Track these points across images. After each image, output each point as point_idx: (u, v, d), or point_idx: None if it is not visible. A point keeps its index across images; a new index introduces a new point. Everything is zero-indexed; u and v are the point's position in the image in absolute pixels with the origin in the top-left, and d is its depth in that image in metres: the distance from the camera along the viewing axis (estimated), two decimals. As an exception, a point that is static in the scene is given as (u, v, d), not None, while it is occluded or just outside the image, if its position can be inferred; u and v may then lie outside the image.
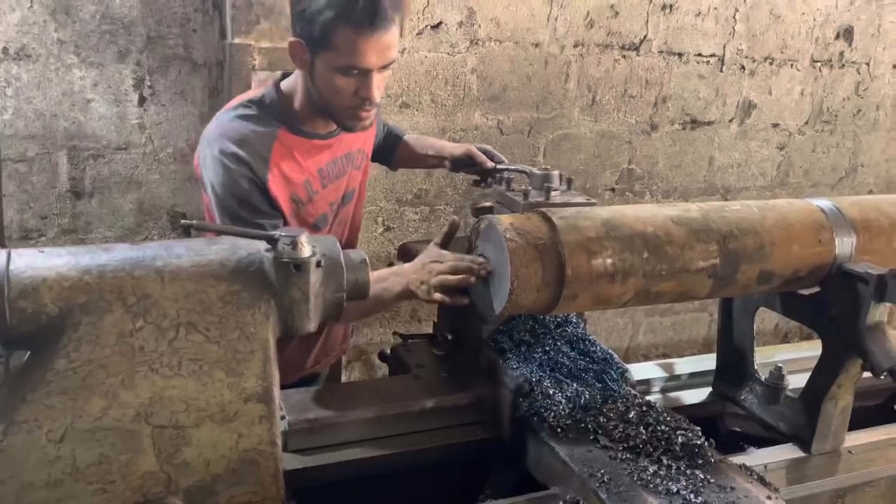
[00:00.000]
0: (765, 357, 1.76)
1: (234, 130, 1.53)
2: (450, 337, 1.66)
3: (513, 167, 1.83)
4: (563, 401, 1.36)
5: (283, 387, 1.43)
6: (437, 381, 1.53)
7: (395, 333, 1.91)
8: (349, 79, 1.47)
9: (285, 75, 1.63)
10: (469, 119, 2.71)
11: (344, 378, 2.79)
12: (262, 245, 1.04)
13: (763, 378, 1.61)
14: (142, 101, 2.31)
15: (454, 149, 2.01)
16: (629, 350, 3.49)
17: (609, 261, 1.23)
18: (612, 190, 3.10)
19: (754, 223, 1.36)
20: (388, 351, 1.77)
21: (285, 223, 1.58)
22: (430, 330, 1.82)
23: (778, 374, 1.59)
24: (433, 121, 2.65)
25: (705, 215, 1.34)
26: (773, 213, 1.39)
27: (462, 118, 2.70)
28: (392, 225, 2.73)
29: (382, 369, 2.58)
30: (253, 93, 1.62)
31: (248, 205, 1.51)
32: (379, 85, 1.51)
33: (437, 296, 1.41)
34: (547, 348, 1.50)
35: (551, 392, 1.37)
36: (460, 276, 1.36)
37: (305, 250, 1.01)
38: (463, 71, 2.63)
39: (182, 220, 1.02)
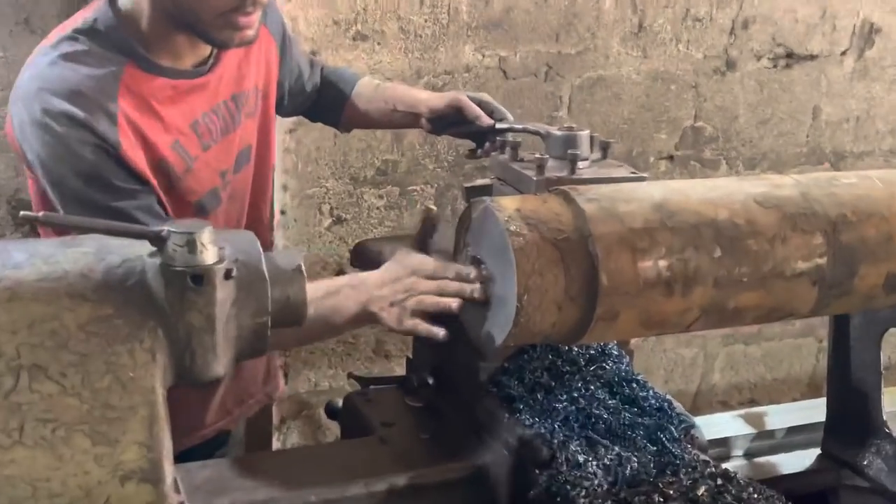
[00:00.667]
0: (897, 402, 1.78)
1: (60, 78, 1.52)
2: (431, 380, 1.65)
3: (521, 126, 1.83)
4: (600, 472, 1.36)
5: (178, 457, 1.44)
6: (412, 447, 1.53)
7: (350, 376, 1.91)
8: None
9: None
10: (457, 56, 2.71)
11: (276, 443, 2.79)
12: (143, 247, 1.03)
13: (896, 433, 1.63)
14: (-34, 34, 2.30)
15: (434, 99, 2.01)
16: (700, 395, 3.51)
17: (663, 263, 1.23)
18: (671, 158, 3.11)
19: (878, 203, 1.37)
20: (340, 403, 1.77)
21: (161, 206, 1.58)
22: (401, 370, 1.81)
23: (917, 427, 1.60)
24: (403, 60, 2.65)
25: (806, 193, 1.35)
26: (905, 189, 1.40)
27: (446, 55, 2.70)
28: (345, 214, 2.73)
29: (333, 429, 2.57)
30: (78, 18, 1.61)
31: (99, 181, 1.51)
32: None
33: (412, 323, 1.41)
34: (575, 394, 1.49)
35: (582, 459, 1.37)
36: (445, 301, 1.37)
37: (208, 254, 1.00)
38: (446, -16, 2.64)
39: (23, 212, 1.00)
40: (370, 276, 1.50)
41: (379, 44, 2.61)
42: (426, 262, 1.46)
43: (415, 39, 2.64)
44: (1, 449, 0.94)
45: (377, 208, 2.75)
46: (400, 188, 2.75)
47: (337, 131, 2.45)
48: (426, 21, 2.64)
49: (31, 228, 0.99)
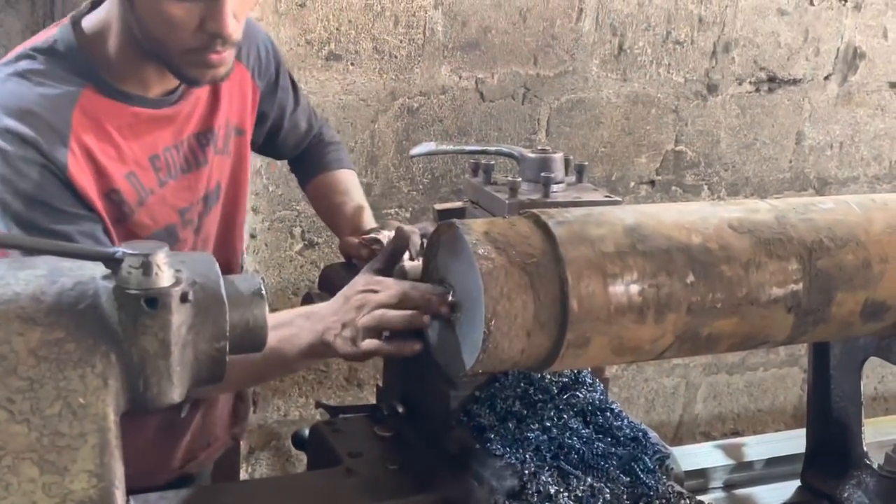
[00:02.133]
0: (878, 433, 1.78)
1: (12, 95, 1.52)
2: (400, 409, 1.65)
3: (494, 148, 1.84)
4: (571, 503, 1.35)
5: (138, 491, 1.42)
6: (380, 478, 1.52)
7: (318, 405, 1.90)
8: (188, 3, 1.48)
9: (94, 5, 1.62)
10: (433, 78, 2.72)
11: (244, 474, 2.77)
12: (96, 269, 1.02)
13: (877, 465, 1.62)
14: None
15: (346, 244, 1.88)
16: (683, 426, 3.51)
17: (636, 287, 1.23)
18: (651, 183, 3.13)
19: (855, 229, 1.37)
20: (307, 432, 1.76)
21: (108, 234, 1.57)
22: (373, 399, 1.81)
23: (899, 459, 1.60)
24: (377, 80, 2.66)
25: (781, 218, 1.35)
26: (882, 214, 1.41)
27: (421, 76, 2.71)
28: (317, 238, 2.73)
29: (302, 460, 2.55)
30: (41, 37, 1.61)
31: (42, 204, 1.49)
32: (237, 12, 1.52)
33: (371, 345, 1.39)
34: (547, 424, 1.49)
35: (553, 491, 1.36)
36: (409, 313, 1.35)
37: (164, 276, 1.00)
38: (422, 4, 2.65)
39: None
40: (323, 305, 1.48)
41: (353, 64, 2.62)
42: (384, 281, 1.43)
43: (390, 60, 2.65)
44: (-56, 478, 0.93)
45: (350, 232, 2.75)
46: (374, 211, 2.74)
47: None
48: (401, 41, 2.65)
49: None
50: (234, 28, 1.51)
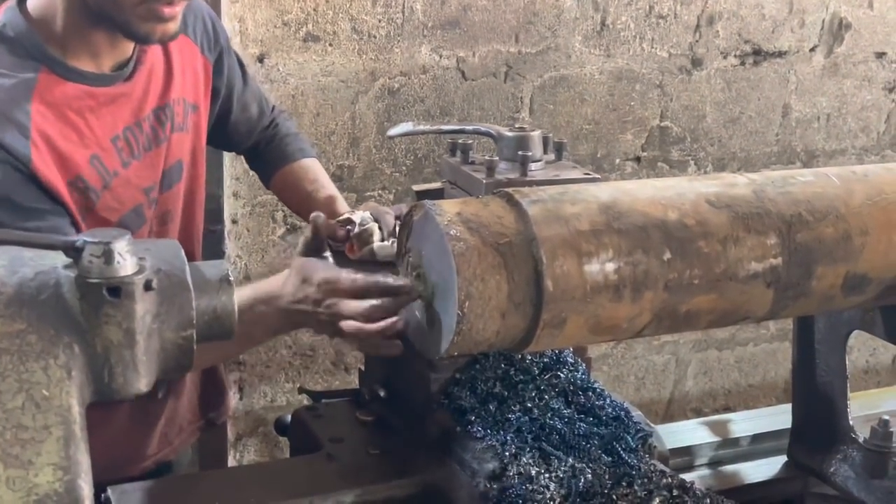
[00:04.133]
0: (865, 407, 1.78)
1: None
2: (382, 393, 1.64)
3: (472, 127, 1.83)
4: (553, 485, 1.35)
5: (117, 481, 1.42)
6: (361, 462, 1.52)
7: (301, 391, 1.90)
8: None
9: None
10: (412, 57, 2.70)
11: (231, 461, 2.76)
12: (57, 259, 1.01)
13: (863, 439, 1.62)
14: None
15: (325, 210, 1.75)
16: (673, 403, 3.51)
17: (611, 266, 1.22)
18: (637, 160, 3.12)
19: (834, 201, 1.36)
20: (289, 418, 1.75)
21: (75, 226, 1.55)
22: (357, 383, 1.80)
23: (884, 433, 1.60)
24: (356, 61, 2.64)
25: (759, 192, 1.34)
26: (862, 186, 1.40)
27: (401, 56, 2.69)
28: (298, 222, 2.71)
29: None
30: None
31: (8, 202, 1.47)
32: None
33: (348, 326, 1.39)
34: (529, 405, 1.49)
35: (534, 472, 1.36)
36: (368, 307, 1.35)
37: (126, 264, 0.98)
38: (401, -17, 2.63)
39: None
40: (277, 284, 1.48)
41: (331, 45, 2.60)
42: (331, 270, 1.43)
43: (368, 40, 2.63)
44: None
45: (332, 215, 2.74)
46: (357, 194, 2.74)
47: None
48: (380, 21, 2.63)
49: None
50: None
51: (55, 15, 1.56)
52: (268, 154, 2.06)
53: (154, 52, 1.71)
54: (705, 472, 1.73)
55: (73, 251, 0.98)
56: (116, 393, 1.02)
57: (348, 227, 1.57)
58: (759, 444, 1.79)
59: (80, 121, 1.58)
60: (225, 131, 1.98)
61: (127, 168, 1.65)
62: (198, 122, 1.82)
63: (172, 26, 1.56)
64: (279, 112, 2.12)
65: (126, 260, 0.99)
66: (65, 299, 0.99)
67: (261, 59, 2.53)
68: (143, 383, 1.02)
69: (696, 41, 3.06)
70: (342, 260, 1.55)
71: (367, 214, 1.59)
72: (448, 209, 1.23)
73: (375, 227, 1.57)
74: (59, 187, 1.53)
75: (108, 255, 0.98)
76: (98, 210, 1.60)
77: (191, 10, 1.77)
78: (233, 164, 2.57)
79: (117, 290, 0.98)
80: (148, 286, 1.00)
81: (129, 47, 1.64)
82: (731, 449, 1.78)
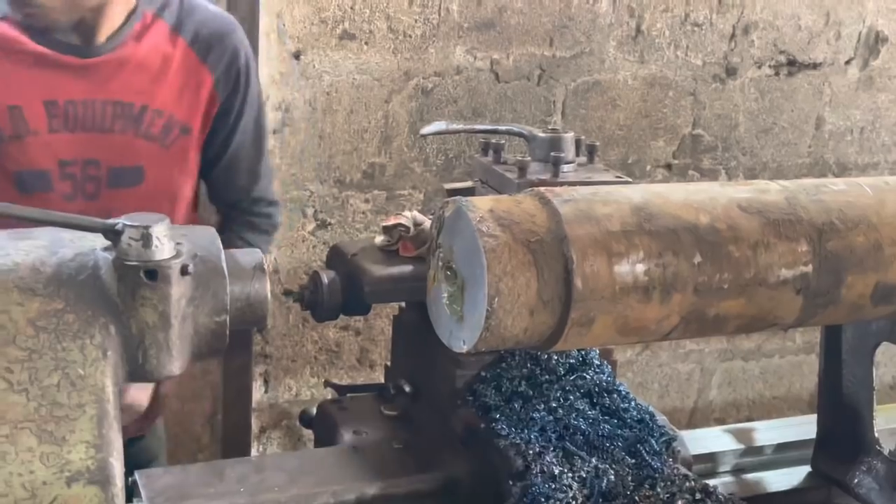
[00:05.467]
0: (891, 420, 1.76)
1: None
2: (407, 388, 1.65)
3: (504, 127, 1.83)
4: (576, 484, 1.35)
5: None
6: (385, 455, 1.53)
7: (327, 384, 1.91)
8: None
9: None
10: (447, 58, 2.71)
11: (255, 452, 2.78)
12: (96, 241, 1.03)
13: (888, 451, 1.61)
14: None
15: None
16: (697, 412, 3.50)
17: (641, 267, 1.22)
18: (668, 167, 3.11)
19: (866, 210, 1.35)
20: (314, 411, 1.76)
21: None
22: (383, 379, 1.81)
23: (910, 445, 1.59)
24: (391, 60, 2.65)
25: (791, 199, 1.34)
26: (895, 196, 1.39)
27: (436, 57, 2.70)
28: (329, 219, 2.73)
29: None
30: None
31: None
32: None
33: None
34: (553, 404, 1.49)
35: (557, 471, 1.36)
36: None
37: (164, 248, 1.00)
38: (438, -16, 2.65)
39: (-28, 203, 1.00)
40: None
41: (367, 43, 2.61)
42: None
43: (404, 39, 2.64)
44: (-58, 446, 0.94)
45: (363, 213, 2.75)
46: (387, 192, 2.75)
47: (322, 133, 2.46)
48: (416, 21, 2.64)
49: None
50: None
51: None
52: (225, 230, 2.01)
53: (147, 53, 1.75)
54: (728, 479, 1.72)
55: (112, 234, 1.00)
56: (150, 374, 1.03)
57: (401, 230, 1.60)
58: (783, 454, 1.78)
59: (12, 66, 1.64)
60: (209, 172, 1.97)
61: (52, 133, 1.69)
62: (185, 145, 1.83)
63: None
64: (272, 213, 2.08)
65: (164, 244, 1.00)
66: (102, 281, 1.01)
67: (297, 56, 2.55)
68: (175, 366, 1.04)
69: (731, 50, 3.05)
70: (397, 259, 1.58)
71: (418, 215, 1.62)
72: (480, 206, 1.23)
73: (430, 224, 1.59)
74: None
75: (146, 239, 1.00)
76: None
77: (221, 43, 1.81)
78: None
79: (154, 273, 0.99)
80: (184, 271, 1.01)
81: (111, 25, 1.69)
82: (754, 457, 1.77)
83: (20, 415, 0.96)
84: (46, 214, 1.03)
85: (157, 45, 1.76)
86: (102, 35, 1.71)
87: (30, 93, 1.65)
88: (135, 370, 1.03)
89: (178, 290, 1.02)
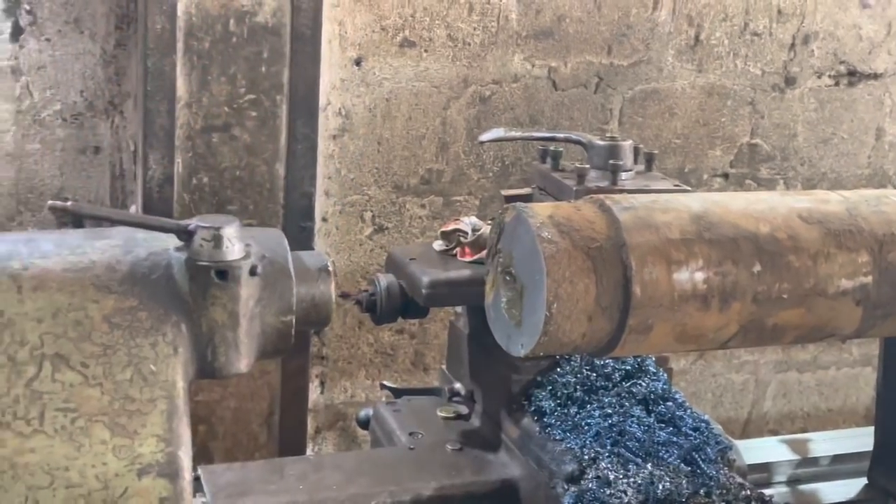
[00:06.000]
0: (950, 433, 1.74)
1: None
2: (462, 392, 1.67)
3: (563, 135, 1.85)
4: (630, 490, 1.36)
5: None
6: (440, 458, 1.54)
7: (383, 387, 1.93)
8: None
9: None
10: (505, 66, 2.72)
11: (310, 452, 2.80)
12: (169, 241, 1.06)
13: (947, 465, 1.60)
14: (17, 32, 2.36)
15: None
16: (750, 423, 3.45)
17: (700, 275, 1.23)
18: (725, 176, 3.08)
19: (929, 223, 1.34)
20: (371, 413, 1.78)
21: None
22: (437, 382, 1.83)
23: (969, 459, 1.57)
24: (450, 67, 2.66)
25: (852, 209, 1.33)
26: (958, 209, 1.38)
27: (494, 64, 2.71)
28: (386, 223, 2.75)
29: (367, 440, 2.58)
30: None
31: None
32: None
33: None
34: (608, 410, 1.50)
35: (612, 477, 1.37)
36: None
37: (234, 249, 1.03)
38: (497, -8, 2.66)
39: (50, 202, 1.04)
40: None
41: (426, 51, 2.63)
42: None
43: (463, 47, 2.66)
44: (21, 436, 0.97)
45: (419, 217, 2.76)
46: (443, 198, 2.76)
47: (381, 139, 2.49)
48: (475, 28, 2.65)
49: (57, 219, 1.03)
50: None
51: None
52: None
53: None
54: (783, 489, 1.71)
55: (185, 234, 1.03)
56: (218, 371, 1.06)
57: (459, 234, 1.62)
58: (839, 465, 1.77)
59: None
60: None
61: None
62: None
63: None
64: None
65: (234, 245, 1.03)
66: (175, 280, 1.04)
67: (358, 63, 2.57)
68: (243, 364, 1.07)
69: (791, 59, 3.02)
70: (455, 264, 1.60)
71: (477, 220, 1.63)
72: (540, 212, 1.25)
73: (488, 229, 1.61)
74: None
75: (217, 240, 1.02)
76: None
77: None
78: (326, 164, 2.62)
79: (225, 273, 1.02)
80: (253, 271, 1.04)
81: None
82: (810, 468, 1.77)
83: (95, 408, 1.00)
84: (122, 214, 1.07)
85: None
86: None
87: None
88: (204, 367, 1.06)
89: (247, 290, 1.04)
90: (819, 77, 3.09)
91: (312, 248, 2.58)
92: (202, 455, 2.57)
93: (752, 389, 3.42)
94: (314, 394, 2.80)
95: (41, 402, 0.98)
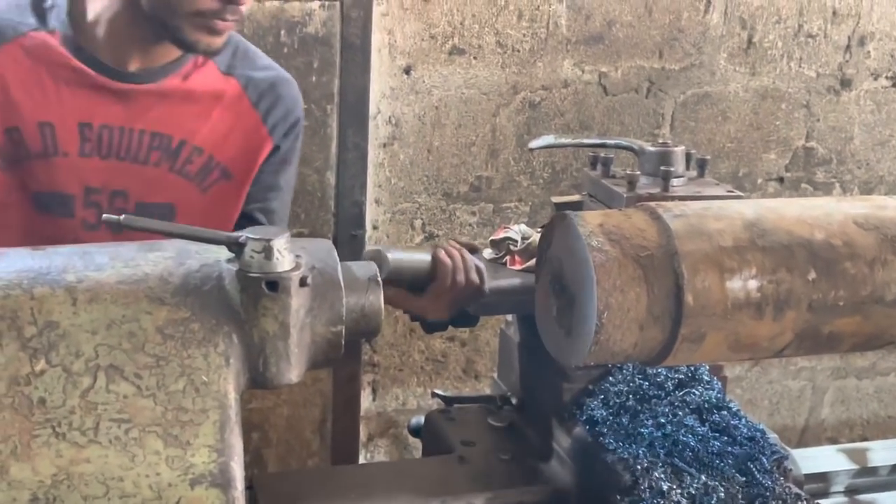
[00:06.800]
0: None
1: None
2: (514, 400, 1.66)
3: (613, 141, 1.83)
4: (685, 501, 1.34)
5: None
6: (492, 467, 1.54)
7: (434, 395, 1.93)
8: None
9: None
10: (555, 71, 2.72)
11: (362, 460, 2.82)
12: (221, 253, 1.07)
13: None
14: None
15: None
16: (808, 431, 3.41)
17: (754, 283, 1.21)
18: (780, 180, 3.05)
19: None
20: (422, 421, 1.78)
21: None
22: (489, 390, 1.82)
23: None
24: (499, 74, 2.67)
25: (911, 215, 1.31)
26: None
27: (544, 70, 2.71)
28: (436, 230, 2.76)
29: (419, 448, 2.59)
30: None
31: None
32: None
33: None
34: (661, 420, 1.48)
35: (665, 487, 1.35)
36: None
37: (284, 261, 1.04)
38: (546, -2, 2.66)
39: (105, 215, 1.05)
40: None
41: (475, 58, 2.64)
42: None
43: (512, 54, 2.66)
44: (76, 447, 0.99)
45: (469, 225, 2.77)
46: (493, 205, 2.77)
47: (431, 147, 2.50)
48: (524, 35, 2.65)
49: (111, 229, 1.05)
50: None
51: (107, 4, 1.59)
52: None
53: (193, 90, 1.69)
54: (841, 499, 1.69)
55: (236, 246, 1.04)
56: (269, 382, 1.07)
57: (509, 243, 1.61)
58: (900, 476, 1.74)
59: (53, 87, 1.60)
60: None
61: (83, 157, 1.63)
62: (226, 191, 1.74)
63: (219, 41, 1.57)
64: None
65: (284, 256, 1.04)
66: (226, 291, 1.05)
67: (407, 71, 2.59)
68: (294, 374, 1.08)
69: (846, 61, 2.98)
70: (505, 272, 1.60)
71: (526, 228, 1.63)
72: (590, 220, 1.24)
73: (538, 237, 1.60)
74: None
75: (267, 252, 1.03)
76: (24, 170, 1.61)
77: (278, 90, 1.76)
78: (376, 173, 2.64)
79: (275, 284, 1.03)
80: (303, 282, 1.05)
81: (159, 57, 1.65)
82: (869, 478, 1.73)
83: (148, 419, 1.01)
84: (174, 227, 1.08)
85: (205, 83, 1.70)
86: (154, 63, 1.65)
87: (69, 111, 1.61)
88: (255, 377, 1.07)
89: (298, 300, 1.05)
90: (875, 79, 3.05)
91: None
92: (256, 462, 2.60)
93: (809, 396, 3.38)
94: (366, 401, 2.82)
95: (96, 412, 0.99)
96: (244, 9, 1.55)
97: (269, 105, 1.75)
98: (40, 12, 1.61)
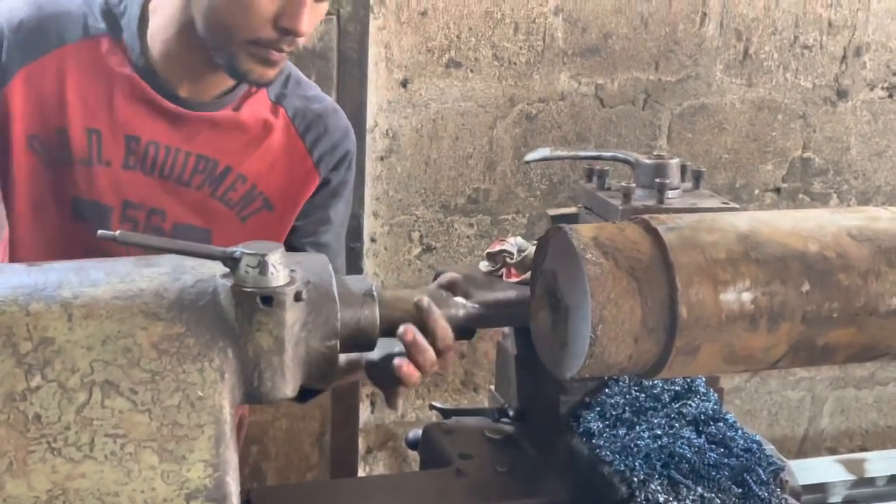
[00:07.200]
0: None
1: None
2: (511, 413, 1.66)
3: (609, 154, 1.84)
4: (681, 513, 1.34)
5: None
6: (489, 479, 1.53)
7: (432, 407, 1.93)
8: None
9: None
10: (552, 84, 2.73)
11: (361, 473, 2.82)
12: (216, 268, 1.07)
13: None
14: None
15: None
16: (807, 441, 3.41)
17: (748, 296, 1.21)
18: (777, 191, 3.06)
19: (984, 239, 1.32)
20: (420, 433, 1.78)
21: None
22: (487, 402, 1.82)
23: None
24: (497, 87, 2.68)
25: (904, 226, 1.31)
26: None
27: (541, 82, 2.72)
28: (434, 243, 2.76)
29: (418, 461, 2.59)
30: None
31: None
32: (311, 18, 1.50)
33: None
34: (658, 432, 1.48)
35: (662, 499, 1.35)
36: None
37: (279, 275, 1.04)
38: (542, 11, 2.66)
39: (100, 231, 1.06)
40: None
41: (472, 71, 2.65)
42: None
43: (509, 67, 2.67)
44: (72, 462, 0.99)
45: (467, 237, 2.78)
46: (491, 217, 2.77)
47: (428, 159, 2.51)
48: (521, 48, 2.66)
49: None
50: (307, 27, 1.50)
51: (165, 25, 1.59)
52: None
53: (244, 119, 1.68)
54: (838, 511, 1.69)
55: (231, 261, 1.04)
56: (264, 396, 1.07)
57: (505, 255, 1.61)
58: (897, 486, 1.74)
59: (106, 96, 1.59)
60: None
61: (126, 170, 1.62)
62: (268, 222, 1.72)
63: (272, 73, 1.56)
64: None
65: (279, 271, 1.04)
66: (221, 306, 1.05)
67: (404, 84, 2.60)
68: (289, 388, 1.08)
69: (842, 72, 2.99)
70: (501, 285, 1.60)
71: (522, 241, 1.63)
72: (584, 233, 1.24)
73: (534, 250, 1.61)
74: (24, 122, 1.58)
75: (262, 266, 1.03)
76: (60, 174, 1.60)
77: (326, 122, 1.74)
78: (374, 185, 2.64)
79: (270, 299, 1.03)
80: (298, 297, 1.05)
81: (211, 86, 1.64)
82: (866, 489, 1.73)
83: (143, 434, 1.01)
84: (169, 242, 1.08)
85: (255, 113, 1.68)
86: (207, 92, 1.65)
87: (115, 122, 1.60)
88: (250, 392, 1.07)
89: (292, 315, 1.05)
90: (871, 89, 3.06)
91: (361, 268, 2.60)
92: (255, 475, 2.60)
93: (808, 407, 3.38)
94: (365, 414, 2.82)
95: (91, 428, 0.99)
96: (301, 41, 1.54)
97: (316, 137, 1.74)
98: (111, 18, 1.60)
